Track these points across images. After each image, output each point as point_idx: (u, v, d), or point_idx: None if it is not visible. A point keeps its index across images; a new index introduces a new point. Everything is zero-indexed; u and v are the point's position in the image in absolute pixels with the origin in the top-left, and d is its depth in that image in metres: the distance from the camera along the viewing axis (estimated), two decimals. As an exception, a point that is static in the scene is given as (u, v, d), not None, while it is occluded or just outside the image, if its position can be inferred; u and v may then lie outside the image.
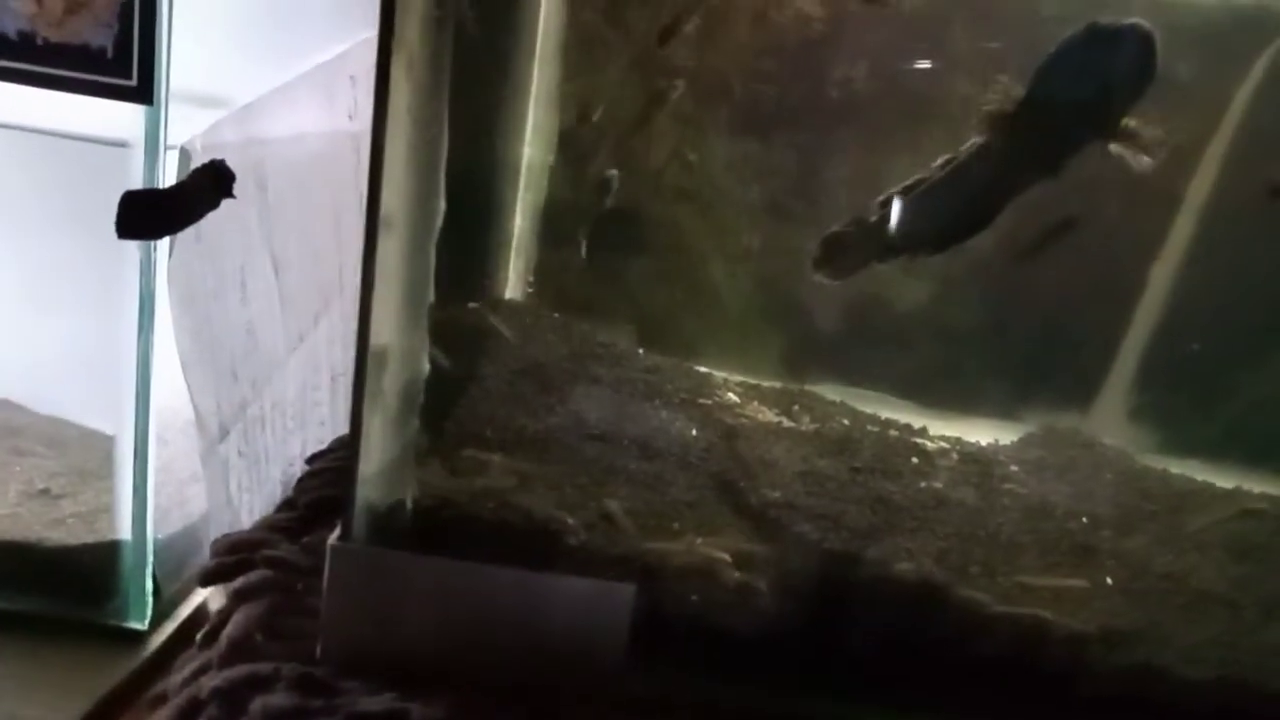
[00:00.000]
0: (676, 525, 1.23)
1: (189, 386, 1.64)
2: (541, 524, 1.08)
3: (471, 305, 1.08)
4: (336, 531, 1.07)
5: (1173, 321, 1.95)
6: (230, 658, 1.01)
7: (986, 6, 1.85)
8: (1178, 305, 1.94)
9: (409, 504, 1.06)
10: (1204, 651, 1.19)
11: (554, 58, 1.89)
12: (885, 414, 2.03)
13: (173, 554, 1.81)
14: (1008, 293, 2.00)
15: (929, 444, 1.94)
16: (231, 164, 1.56)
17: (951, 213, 1.49)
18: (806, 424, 1.90)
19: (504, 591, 1.00)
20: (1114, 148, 1.28)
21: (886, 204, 1.57)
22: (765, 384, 2.02)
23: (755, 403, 1.96)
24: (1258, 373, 1.97)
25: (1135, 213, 1.95)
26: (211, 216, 1.59)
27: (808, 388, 2.05)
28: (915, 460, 1.82)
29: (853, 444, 1.83)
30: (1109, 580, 1.33)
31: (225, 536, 1.30)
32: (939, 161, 1.51)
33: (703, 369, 2.01)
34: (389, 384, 1.03)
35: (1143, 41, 1.25)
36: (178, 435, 1.85)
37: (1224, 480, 1.91)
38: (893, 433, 1.92)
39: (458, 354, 1.13)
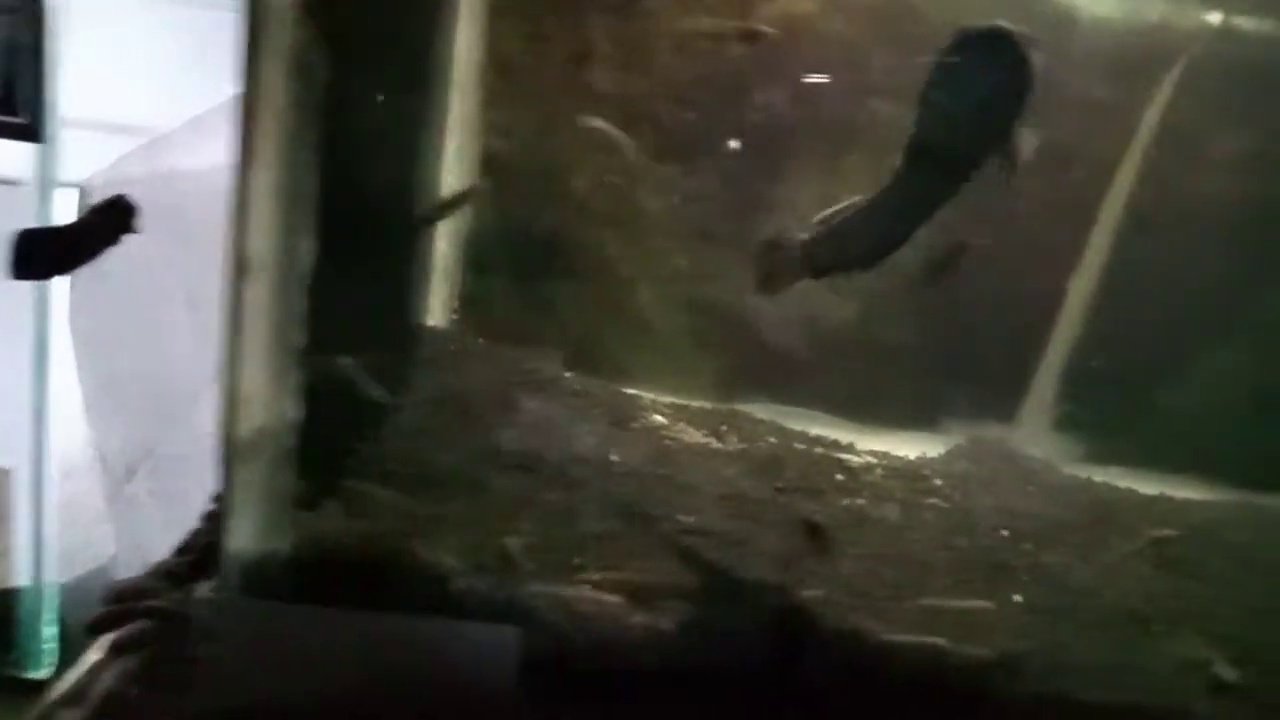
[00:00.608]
0: (579, 561, 1.22)
1: (92, 426, 1.60)
2: (427, 569, 1.07)
3: (343, 357, 1.06)
4: (211, 584, 1.05)
5: (1091, 333, 1.98)
6: (101, 714, 0.98)
7: (905, 31, 1.88)
8: (1096, 317, 1.97)
9: (284, 553, 1.04)
10: (1108, 674, 1.20)
11: (473, 83, 1.88)
12: (815, 430, 2.05)
13: (82, 597, 1.77)
14: (933, 307, 2.02)
15: (856, 459, 1.95)
16: (137, 199, 1.53)
17: (877, 230, 1.49)
18: (733, 444, 1.90)
19: (385, 640, 0.98)
20: (1004, 163, 1.25)
21: (821, 223, 1.57)
22: (694, 404, 2.03)
23: (683, 424, 1.96)
24: (1175, 382, 2.01)
25: (1053, 227, 1.99)
26: (117, 252, 1.56)
27: (737, 407, 2.06)
28: (840, 477, 1.83)
29: (778, 463, 1.83)
30: (1018, 599, 1.34)
31: (114, 584, 1.27)
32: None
33: (631, 391, 2.01)
34: (259, 430, 1.01)
35: (1012, 43, 1.15)
36: (87, 472, 1.81)
37: (1147, 488, 1.95)
38: (819, 450, 1.92)
39: (335, 397, 1.12)
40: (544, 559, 1.18)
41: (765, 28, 1.70)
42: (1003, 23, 1.13)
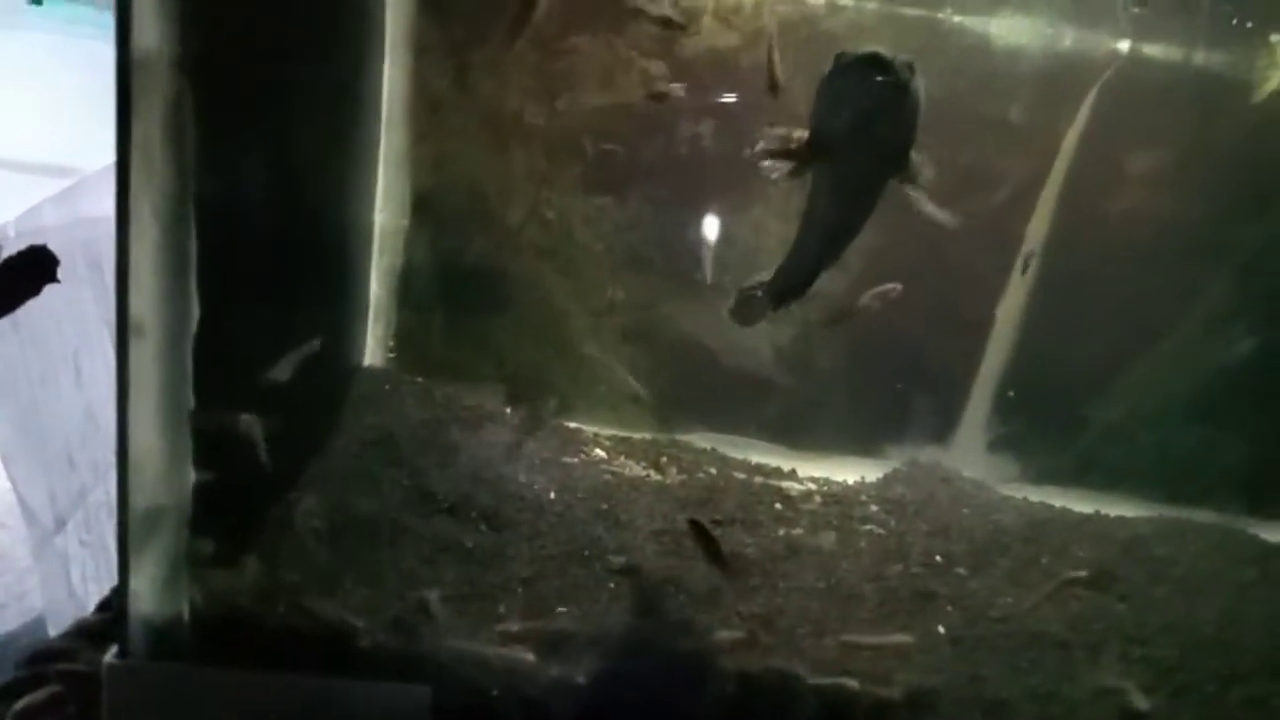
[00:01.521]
0: (503, 609, 1.21)
1: (12, 479, 1.57)
2: (333, 627, 1.05)
3: (239, 413, 1.05)
4: (113, 649, 1.03)
5: (1021, 356, 2.02)
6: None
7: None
8: (1024, 341, 2.01)
9: (187, 615, 1.02)
10: (1026, 706, 1.21)
11: (402, 121, 1.88)
12: (756, 458, 2.06)
13: (14, 652, 1.73)
14: (869, 333, 2.04)
15: (796, 486, 1.97)
16: (57, 246, 1.50)
17: (809, 258, 1.50)
18: (673, 476, 1.91)
19: (293, 700, 0.96)
20: (908, 188, 1.26)
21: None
22: (636, 436, 2.03)
23: (623, 457, 1.96)
24: (1104, 402, 2.04)
25: (981, 252, 2.02)
26: (38, 301, 1.53)
27: (679, 437, 2.07)
28: (778, 506, 1.83)
29: (718, 494, 1.83)
30: (941, 630, 1.35)
31: (29, 647, 1.24)
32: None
33: (573, 425, 2.01)
34: (155, 493, 0.99)
35: (888, 67, 1.14)
36: (18, 521, 1.77)
37: (1081, 505, 1.98)
38: (759, 479, 1.93)
39: (238, 453, 1.10)
40: (464, 610, 1.17)
41: (672, 88, 1.73)
42: (878, 48, 1.14)
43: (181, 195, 0.93)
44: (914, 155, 1.23)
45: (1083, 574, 1.44)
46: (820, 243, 1.40)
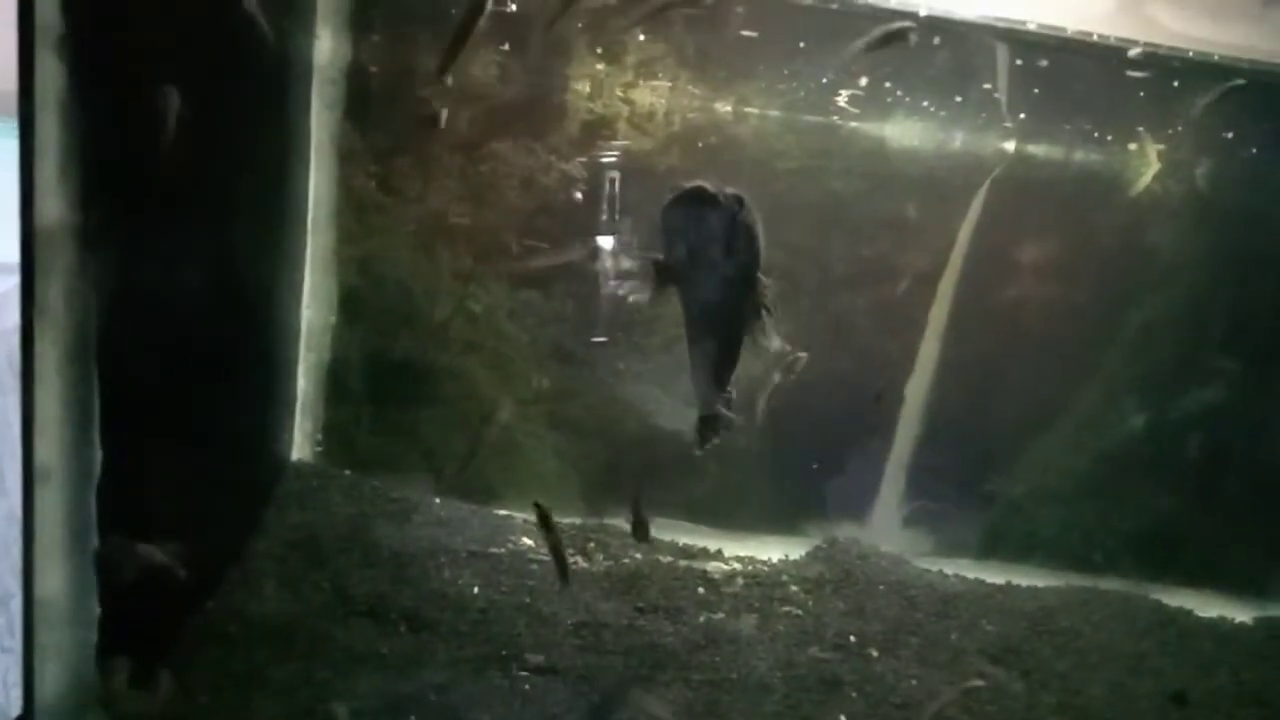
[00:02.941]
0: (413, 718, 1.24)
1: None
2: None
3: (140, 544, 1.07)
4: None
5: (930, 435, 2.11)
6: None
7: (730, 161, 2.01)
8: (932, 420, 2.11)
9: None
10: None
11: (328, 223, 1.93)
12: (684, 539, 2.11)
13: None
14: (787, 415, 2.12)
15: (722, 567, 2.02)
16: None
17: (706, 384, 1.53)
18: (599, 562, 1.94)
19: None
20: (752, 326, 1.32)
21: None
22: (565, 521, 2.06)
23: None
24: (1009, 478, 2.15)
25: (888, 337, 2.13)
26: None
27: (607, 521, 2.11)
28: (701, 590, 1.88)
29: (642, 581, 1.87)
30: (843, 718, 1.41)
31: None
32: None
33: (502, 512, 2.04)
34: (60, 629, 1.00)
35: (713, 200, 1.21)
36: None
37: (993, 576, 2.06)
38: (684, 562, 1.98)
39: (142, 585, 1.12)
40: (375, 722, 1.19)
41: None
42: (703, 183, 1.22)
43: (83, 350, 0.97)
44: (760, 277, 1.30)
45: (981, 683, 1.49)
46: (706, 367, 1.44)
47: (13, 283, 1.86)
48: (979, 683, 1.47)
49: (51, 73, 0.90)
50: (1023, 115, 1.96)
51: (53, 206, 0.92)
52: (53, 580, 0.99)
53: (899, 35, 1.48)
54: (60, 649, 1.01)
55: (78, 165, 0.93)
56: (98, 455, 0.99)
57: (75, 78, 0.92)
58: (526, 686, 1.40)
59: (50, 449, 0.97)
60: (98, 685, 1.02)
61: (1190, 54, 1.78)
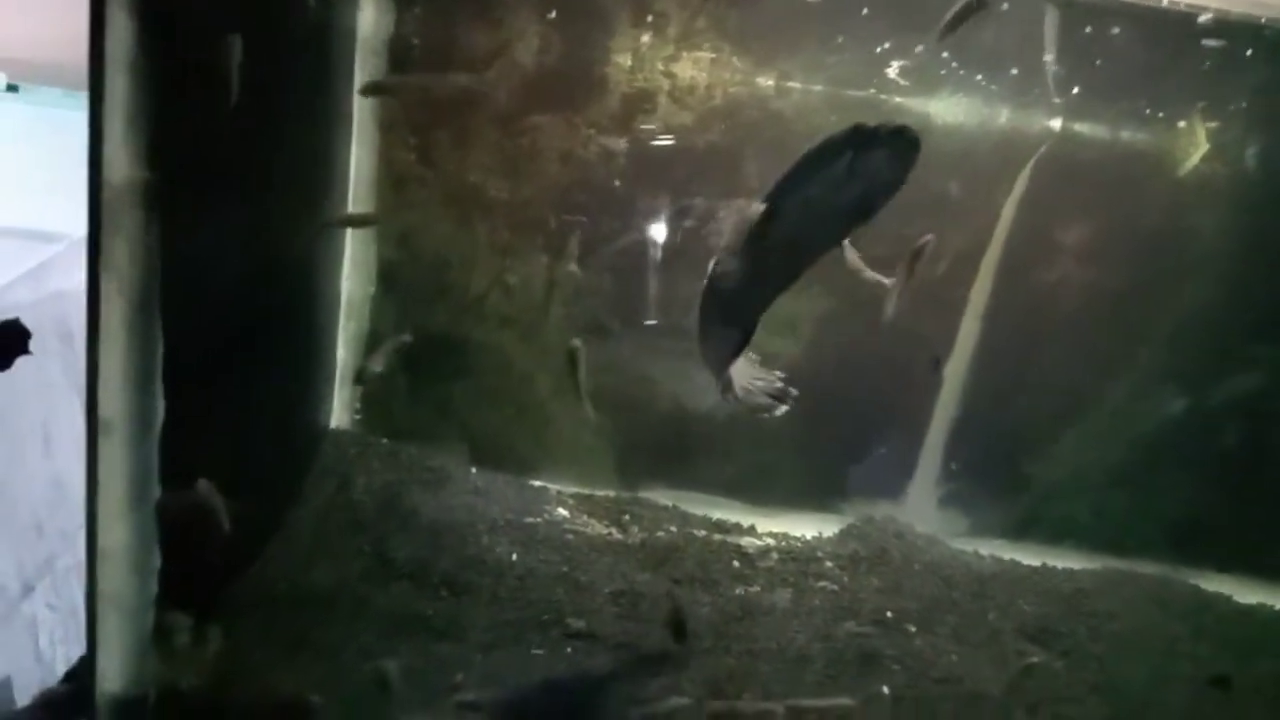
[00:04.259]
0: (460, 677, 1.25)
1: (-18, 548, 1.59)
2: (292, 705, 1.09)
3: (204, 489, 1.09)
4: (85, 720, 1.06)
5: (968, 416, 2.10)
6: None
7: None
8: (971, 401, 2.09)
9: (153, 695, 1.05)
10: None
11: (368, 195, 1.94)
12: (717, 515, 2.11)
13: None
14: (823, 392, 2.12)
15: (756, 542, 2.02)
16: (29, 320, 1.55)
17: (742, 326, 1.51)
18: (634, 534, 1.95)
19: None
20: (850, 256, 1.31)
21: None
22: (599, 493, 2.08)
23: (586, 515, 2.00)
24: (1047, 459, 2.13)
25: (928, 317, 2.11)
26: (6, 374, 1.57)
27: (641, 494, 2.12)
28: (737, 564, 1.89)
29: (677, 553, 1.88)
30: (886, 690, 1.41)
31: (-4, 719, 1.25)
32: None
33: (536, 483, 2.05)
34: (121, 578, 1.03)
35: (907, 146, 1.19)
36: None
37: (1028, 558, 2.05)
38: (718, 536, 1.99)
39: (202, 532, 1.14)
40: (421, 680, 1.21)
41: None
42: (908, 125, 1.18)
43: (148, 305, 0.99)
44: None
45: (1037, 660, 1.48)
46: (746, 308, 1.42)
47: (57, 250, 1.90)
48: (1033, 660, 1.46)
49: (120, 30, 0.92)
50: (1074, 89, 1.91)
51: (120, 163, 0.94)
52: (115, 532, 1.01)
53: (979, 5, 1.44)
54: (121, 599, 1.03)
55: (144, 123, 0.95)
56: (160, 408, 1.01)
57: (143, 35, 0.93)
58: (569, 649, 1.41)
59: (113, 402, 0.99)
60: (157, 637, 1.04)
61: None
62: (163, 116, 0.96)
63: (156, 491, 1.02)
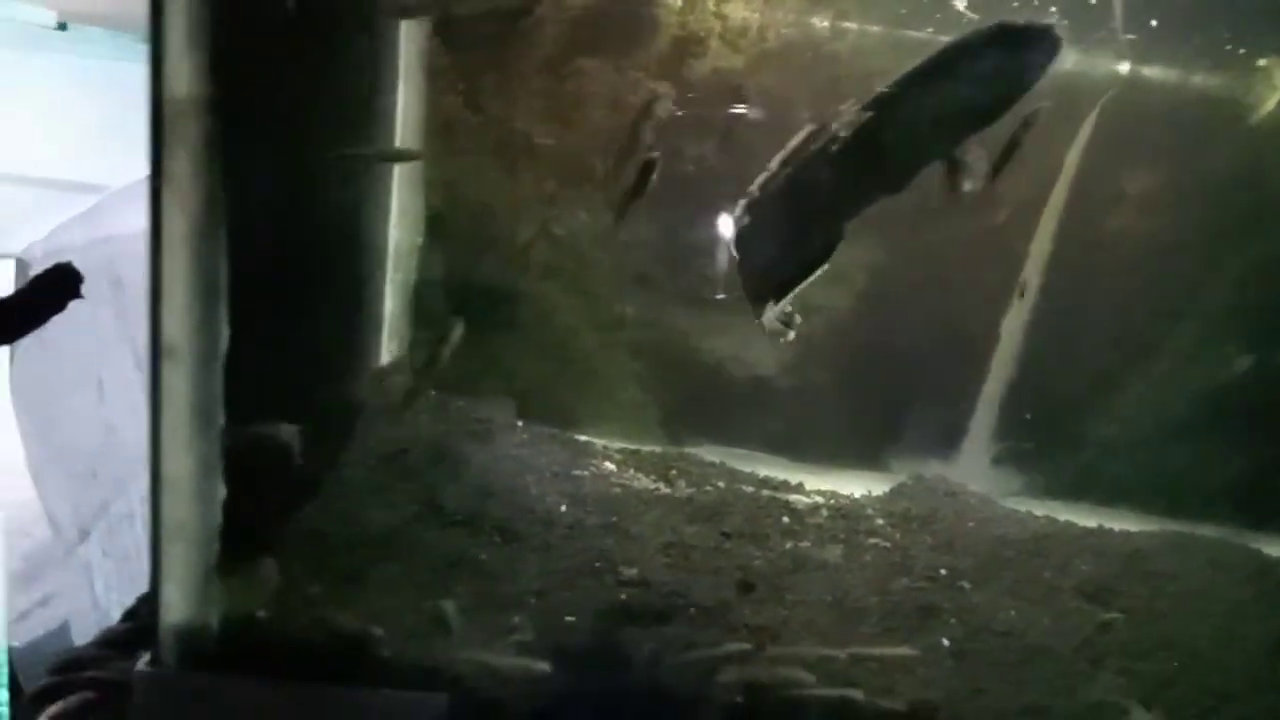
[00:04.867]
0: (517, 619, 1.25)
1: (39, 493, 1.61)
2: (353, 637, 1.09)
3: (273, 425, 1.09)
4: (146, 656, 1.07)
5: (1024, 373, 2.04)
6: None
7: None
8: (1027, 357, 2.03)
9: (216, 626, 1.06)
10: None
11: (415, 142, 1.92)
12: (764, 471, 2.09)
13: (41, 659, 1.77)
14: (873, 348, 2.07)
15: (803, 500, 1.99)
16: (81, 264, 1.55)
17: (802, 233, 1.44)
18: (682, 489, 1.93)
19: (313, 709, 1.00)
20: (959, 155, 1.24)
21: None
22: (645, 449, 2.06)
23: (633, 470, 1.99)
24: (1105, 418, 2.07)
25: (985, 269, 2.05)
26: (60, 319, 1.58)
27: (687, 450, 2.10)
28: (786, 519, 1.86)
29: (725, 508, 1.86)
30: (945, 642, 1.38)
31: (58, 654, 1.27)
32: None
33: (582, 438, 2.04)
34: (185, 507, 1.03)
35: (1051, 46, 1.15)
36: (38, 535, 1.81)
37: (1084, 519, 2.00)
38: (766, 492, 1.96)
39: (265, 467, 1.14)
40: (478, 620, 1.20)
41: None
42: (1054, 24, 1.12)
43: (211, 223, 0.97)
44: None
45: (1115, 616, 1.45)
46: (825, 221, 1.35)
47: (99, 199, 1.89)
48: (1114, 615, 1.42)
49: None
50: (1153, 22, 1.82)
51: (181, 76, 0.92)
52: (179, 460, 1.01)
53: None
54: (185, 529, 1.03)
55: (205, 36, 0.93)
56: (225, 333, 1.00)
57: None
58: (623, 595, 1.40)
59: (177, 325, 0.98)
60: (221, 567, 1.05)
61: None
62: (222, 30, 0.94)
63: (221, 419, 1.02)
